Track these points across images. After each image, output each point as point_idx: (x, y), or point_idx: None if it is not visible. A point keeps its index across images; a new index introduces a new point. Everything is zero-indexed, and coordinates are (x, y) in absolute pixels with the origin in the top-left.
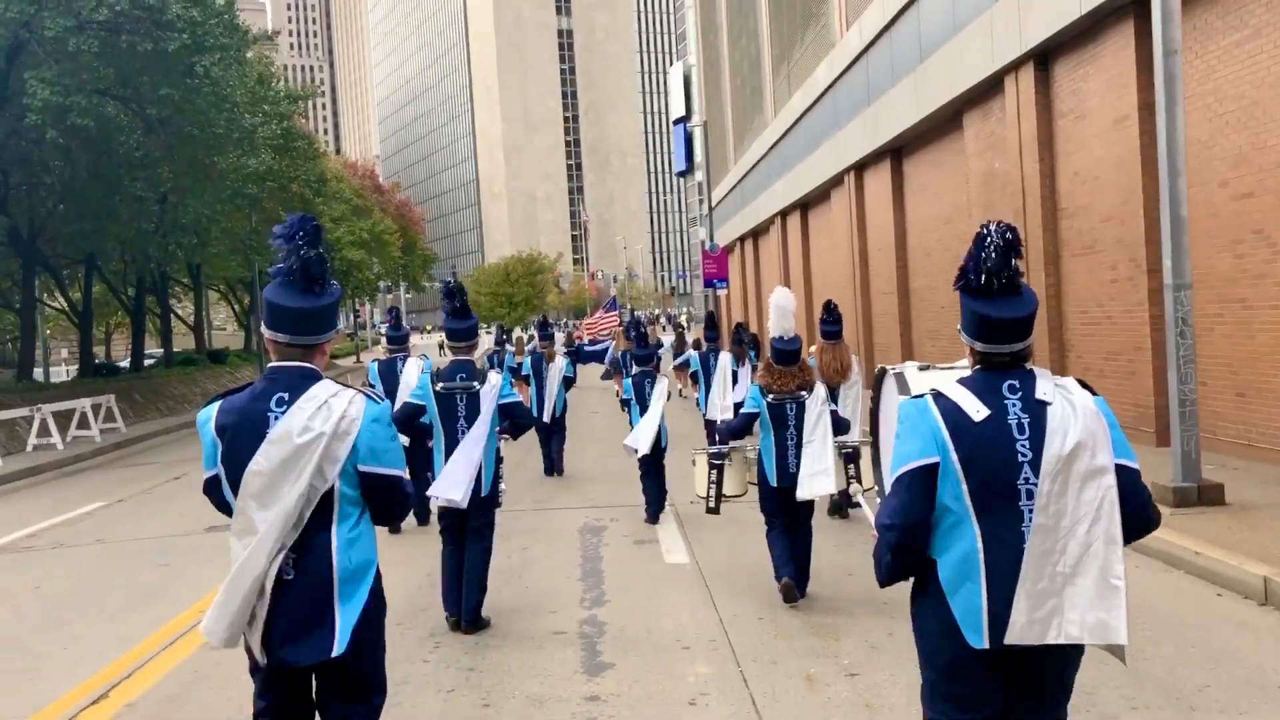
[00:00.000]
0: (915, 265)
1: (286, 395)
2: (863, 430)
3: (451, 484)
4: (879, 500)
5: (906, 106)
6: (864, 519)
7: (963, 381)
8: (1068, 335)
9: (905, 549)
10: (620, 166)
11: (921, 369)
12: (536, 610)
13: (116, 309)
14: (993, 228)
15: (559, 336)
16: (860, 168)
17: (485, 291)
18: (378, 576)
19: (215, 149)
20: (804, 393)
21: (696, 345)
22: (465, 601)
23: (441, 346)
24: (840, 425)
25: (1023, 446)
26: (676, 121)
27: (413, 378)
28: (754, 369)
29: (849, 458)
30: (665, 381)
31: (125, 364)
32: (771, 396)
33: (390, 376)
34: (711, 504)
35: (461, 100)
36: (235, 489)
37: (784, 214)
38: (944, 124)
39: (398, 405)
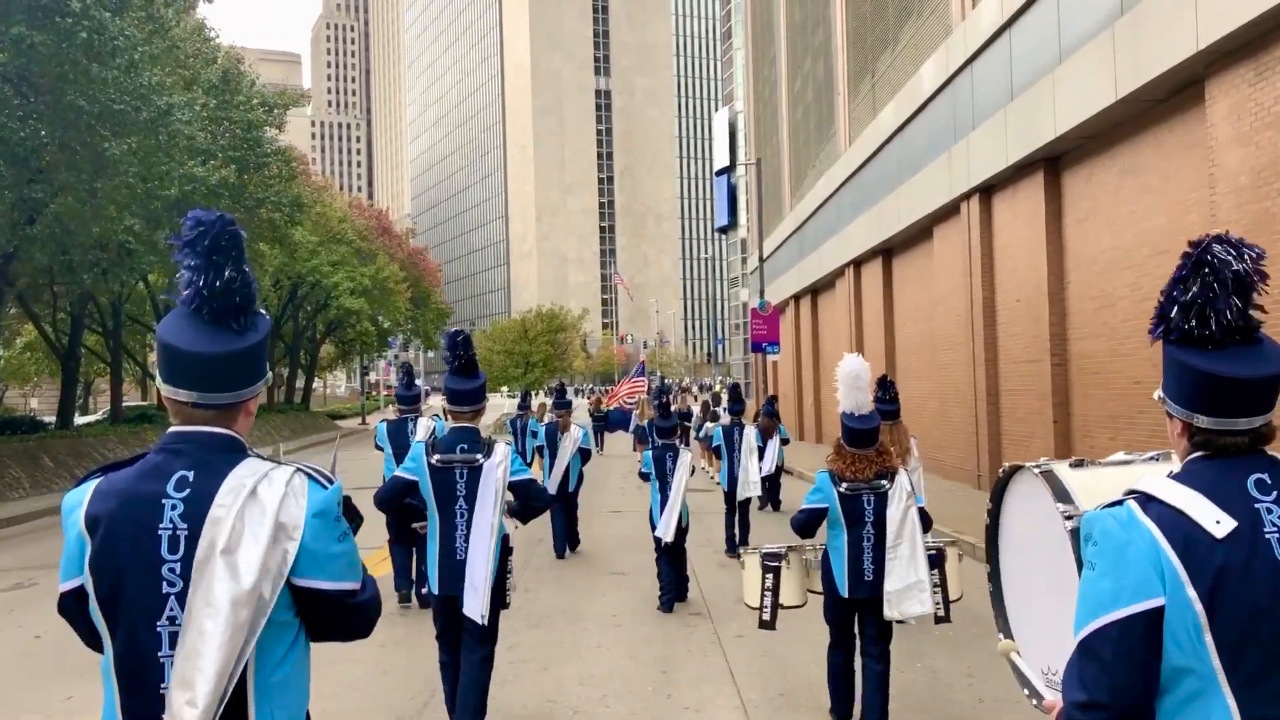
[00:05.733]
0: (1082, 320)
1: (191, 475)
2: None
3: (470, 592)
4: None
5: (1085, 87)
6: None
7: (1179, 478)
8: None
9: None
10: (655, 230)
11: (1074, 466)
12: None
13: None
14: (1218, 245)
15: (583, 402)
16: (988, 190)
17: (499, 350)
18: None
19: (116, 127)
20: (884, 482)
21: (714, 418)
22: None
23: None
24: (925, 522)
25: None
26: (719, 173)
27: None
28: (784, 441)
29: (932, 561)
30: (689, 456)
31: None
32: (845, 486)
33: (400, 439)
34: (766, 616)
35: (495, 159)
36: (109, 612)
37: (858, 263)
38: (1154, 106)
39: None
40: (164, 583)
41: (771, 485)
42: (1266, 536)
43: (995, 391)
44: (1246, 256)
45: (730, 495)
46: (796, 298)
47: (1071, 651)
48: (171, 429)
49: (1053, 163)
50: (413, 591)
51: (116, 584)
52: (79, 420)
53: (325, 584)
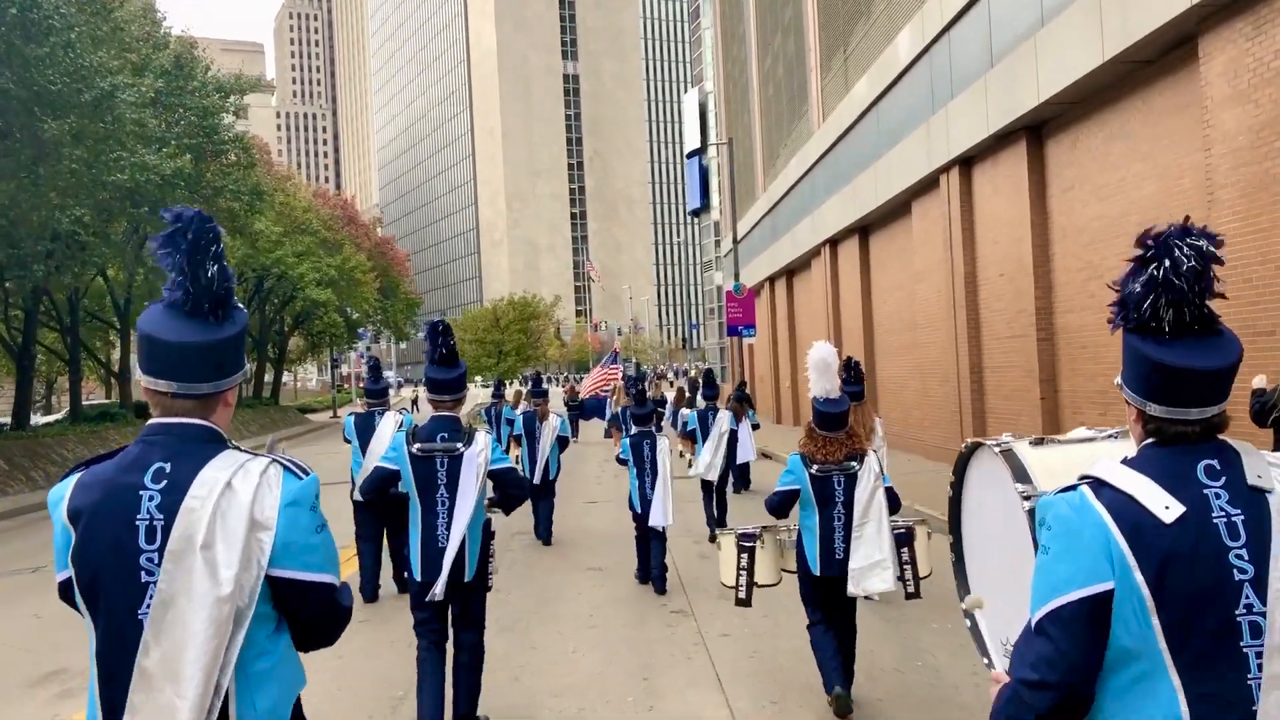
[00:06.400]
0: (1069, 293)
1: (168, 466)
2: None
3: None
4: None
5: (1069, 50)
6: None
7: (1132, 464)
8: None
9: (1064, 714)
10: (627, 215)
11: (1035, 444)
12: None
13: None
14: (1174, 236)
15: (558, 391)
16: (968, 161)
17: (471, 339)
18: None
19: (56, 109)
20: (853, 463)
21: (689, 404)
22: (455, 709)
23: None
24: (894, 502)
25: (1239, 558)
26: (690, 155)
27: (387, 434)
28: (754, 427)
29: (901, 540)
30: (666, 442)
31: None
32: (816, 468)
33: (367, 431)
34: (742, 594)
35: (463, 146)
36: (91, 602)
37: (834, 241)
38: (1143, 66)
39: (367, 466)
40: (143, 572)
41: (742, 469)
42: (1214, 521)
43: (979, 369)
44: (1203, 247)
45: (705, 480)
46: (771, 279)
47: (1023, 630)
48: (151, 420)
49: (1035, 131)
50: (378, 590)
51: (97, 574)
52: (39, 420)
53: (303, 574)
